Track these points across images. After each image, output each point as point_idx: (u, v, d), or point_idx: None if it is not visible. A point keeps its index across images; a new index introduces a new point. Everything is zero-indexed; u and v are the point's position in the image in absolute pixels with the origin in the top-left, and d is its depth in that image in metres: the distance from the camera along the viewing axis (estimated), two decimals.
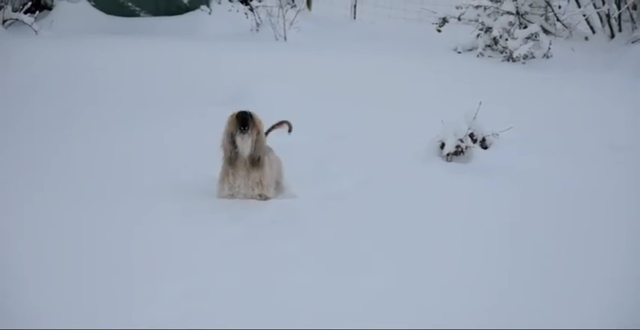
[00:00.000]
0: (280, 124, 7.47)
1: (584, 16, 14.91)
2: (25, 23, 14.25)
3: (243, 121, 6.62)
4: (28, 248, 5.64)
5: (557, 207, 6.90)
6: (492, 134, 8.20)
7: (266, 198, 6.87)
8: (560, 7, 14.81)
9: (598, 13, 14.97)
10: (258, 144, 6.68)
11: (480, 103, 8.04)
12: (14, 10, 14.59)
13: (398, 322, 4.83)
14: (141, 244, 5.81)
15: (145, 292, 5.08)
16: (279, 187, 7.18)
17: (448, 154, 8.08)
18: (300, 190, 7.18)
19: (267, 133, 7.20)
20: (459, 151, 8.08)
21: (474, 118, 8.11)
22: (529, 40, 13.27)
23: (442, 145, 8.12)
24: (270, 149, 7.06)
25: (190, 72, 11.15)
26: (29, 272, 5.29)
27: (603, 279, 5.47)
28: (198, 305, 4.96)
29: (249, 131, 6.64)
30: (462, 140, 8.06)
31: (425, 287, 5.29)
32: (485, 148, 8.20)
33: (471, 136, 8.13)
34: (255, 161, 6.69)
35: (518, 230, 6.31)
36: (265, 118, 7.10)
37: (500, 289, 5.28)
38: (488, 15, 14.04)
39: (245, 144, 6.66)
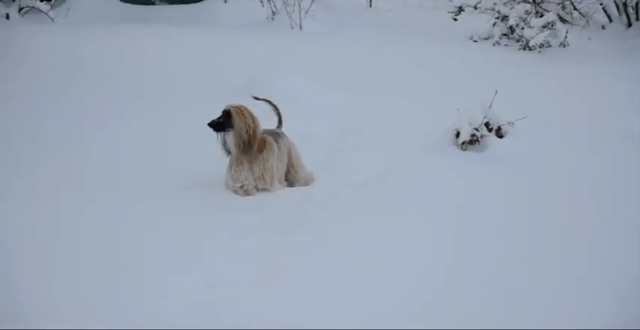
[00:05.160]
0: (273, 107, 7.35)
1: (601, 4, 14.86)
2: (42, 11, 14.30)
3: (212, 125, 6.64)
4: (40, 242, 5.60)
5: (570, 197, 6.86)
6: (508, 123, 8.16)
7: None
8: None
9: (615, 1, 14.92)
10: (237, 139, 6.58)
11: (496, 91, 8.01)
12: None
13: (400, 318, 4.81)
14: (152, 236, 5.77)
15: (156, 284, 5.07)
16: (304, 172, 7.11)
17: (463, 143, 8.05)
18: (316, 180, 7.17)
19: (280, 123, 7.18)
20: (474, 140, 8.05)
21: (490, 106, 8.07)
22: (545, 29, 13.23)
23: (457, 134, 8.10)
24: (282, 135, 7.02)
25: (204, 62, 11.14)
26: (41, 266, 5.26)
27: (609, 276, 5.39)
28: (209, 296, 4.95)
29: (227, 129, 6.62)
30: (477, 129, 8.03)
31: (429, 282, 5.24)
32: (501, 137, 8.16)
33: (487, 125, 8.09)
34: (253, 152, 6.63)
35: (531, 221, 6.28)
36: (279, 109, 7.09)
37: (503, 286, 5.20)
38: (505, 3, 14.03)
39: (228, 141, 6.67)
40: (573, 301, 5.01)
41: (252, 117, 6.61)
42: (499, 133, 8.16)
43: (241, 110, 6.59)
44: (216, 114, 6.67)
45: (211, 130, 6.67)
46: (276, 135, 6.94)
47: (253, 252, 5.57)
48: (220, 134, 6.69)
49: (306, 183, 7.07)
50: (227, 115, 6.61)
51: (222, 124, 6.62)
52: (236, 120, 6.56)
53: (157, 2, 16.18)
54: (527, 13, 13.62)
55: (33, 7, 14.40)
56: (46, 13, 14.27)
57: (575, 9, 15.04)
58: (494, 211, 6.44)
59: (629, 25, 14.85)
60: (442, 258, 5.58)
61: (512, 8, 13.80)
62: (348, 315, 4.79)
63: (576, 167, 7.58)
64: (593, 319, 4.80)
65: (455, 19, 15.05)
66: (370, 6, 18.01)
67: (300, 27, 14.59)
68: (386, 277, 5.27)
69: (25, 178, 6.87)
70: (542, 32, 13.13)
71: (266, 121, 6.97)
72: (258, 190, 6.74)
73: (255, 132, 6.59)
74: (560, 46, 13.33)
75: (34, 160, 7.36)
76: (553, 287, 5.16)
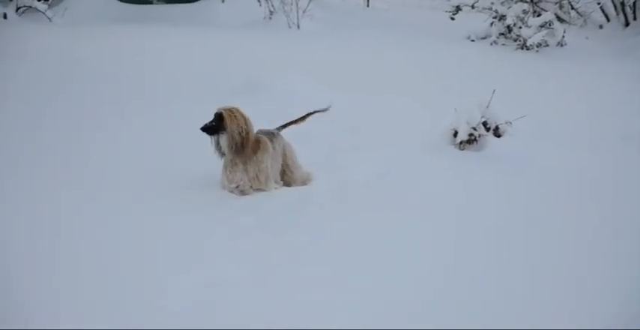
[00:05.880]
0: (304, 118, 7.42)
1: (598, 4, 14.88)
2: (39, 10, 14.27)
3: (206, 130, 6.66)
4: (40, 242, 5.61)
5: (570, 197, 6.86)
6: (506, 122, 8.17)
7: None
8: None
9: (612, 1, 14.92)
10: (230, 141, 6.60)
11: (494, 91, 8.01)
12: None
13: (400, 318, 4.81)
14: (152, 236, 5.79)
15: (156, 284, 5.08)
16: (300, 172, 7.13)
17: (461, 143, 8.05)
18: (313, 179, 7.16)
19: (285, 126, 7.21)
20: (472, 140, 8.05)
21: (488, 106, 8.08)
22: (543, 29, 13.22)
23: (455, 134, 8.10)
24: (277, 136, 7.03)
25: (204, 61, 11.11)
26: (41, 266, 5.27)
27: (609, 276, 5.38)
28: (209, 296, 4.96)
29: (221, 132, 6.65)
30: (475, 128, 8.03)
31: (429, 282, 5.24)
32: (499, 136, 8.17)
33: (484, 124, 8.10)
34: (247, 154, 6.64)
35: (531, 221, 6.27)
36: (278, 109, 7.06)
37: (503, 286, 5.21)
38: (502, 3, 14.02)
39: (222, 143, 6.68)
40: (573, 301, 5.02)
41: (245, 118, 6.62)
42: (496, 133, 8.18)
43: (233, 112, 6.60)
44: (214, 115, 6.67)
45: (205, 134, 6.68)
46: (271, 135, 6.96)
47: (253, 252, 5.57)
48: (214, 137, 6.70)
49: (304, 183, 7.07)
50: (219, 118, 6.61)
51: (215, 127, 6.63)
52: (228, 122, 6.56)
53: (154, 2, 16.17)
54: (525, 12, 13.62)
55: (30, 7, 14.35)
56: (44, 13, 14.23)
57: (572, 8, 15.04)
58: (493, 211, 6.44)
59: (627, 24, 14.86)
60: (442, 258, 5.58)
61: (509, 7, 13.79)
62: (348, 315, 4.79)
63: (576, 167, 7.58)
64: (593, 319, 4.81)
65: (452, 19, 15.04)
66: (368, 6, 18.00)
67: (298, 26, 14.58)
68: (385, 277, 5.27)
69: (25, 178, 6.85)
70: (539, 32, 13.12)
71: (261, 121, 6.97)
72: (254, 189, 6.75)
73: (248, 133, 6.61)
74: (557, 45, 13.33)
75: (34, 160, 7.34)
76: (553, 287, 5.17)
